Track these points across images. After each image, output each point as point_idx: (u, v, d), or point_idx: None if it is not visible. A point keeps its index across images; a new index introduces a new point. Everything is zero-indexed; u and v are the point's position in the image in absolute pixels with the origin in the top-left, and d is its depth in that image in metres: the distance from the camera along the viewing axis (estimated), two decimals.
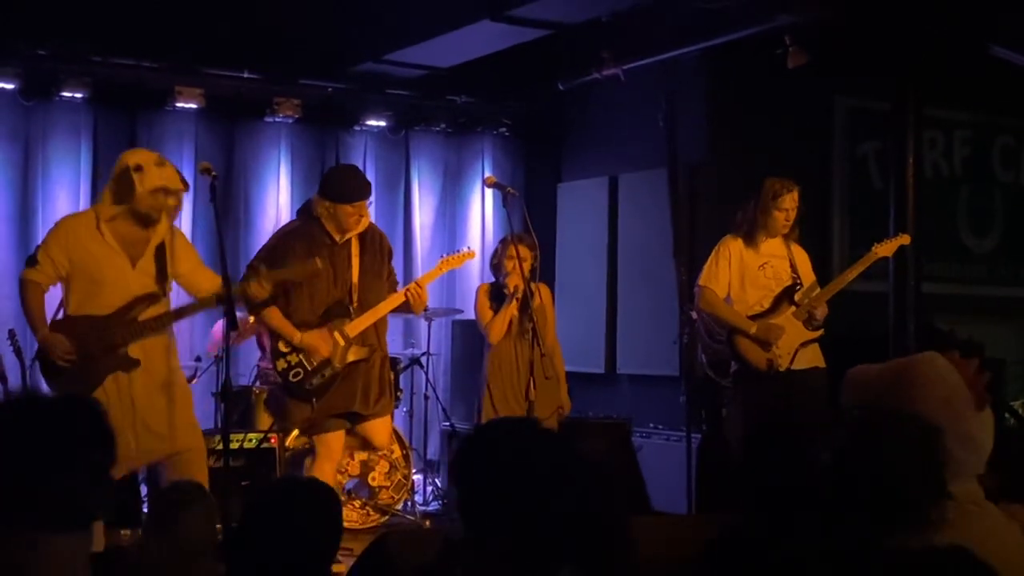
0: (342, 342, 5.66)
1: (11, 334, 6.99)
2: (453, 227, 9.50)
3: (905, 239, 6.50)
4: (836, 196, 8.66)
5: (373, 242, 5.82)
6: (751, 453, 2.66)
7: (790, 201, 6.19)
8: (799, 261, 6.30)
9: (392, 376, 6.07)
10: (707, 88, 8.26)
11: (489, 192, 9.22)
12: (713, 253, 6.26)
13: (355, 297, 5.71)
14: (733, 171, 8.16)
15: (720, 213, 8.12)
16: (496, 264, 6.66)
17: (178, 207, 5.38)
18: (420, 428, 8.27)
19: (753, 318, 6.14)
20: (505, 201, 5.93)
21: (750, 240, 6.22)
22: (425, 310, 6.87)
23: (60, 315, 5.27)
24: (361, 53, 8.45)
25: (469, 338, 8.39)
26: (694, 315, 7.15)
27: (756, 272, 6.21)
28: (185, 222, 8.24)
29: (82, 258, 5.21)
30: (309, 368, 5.65)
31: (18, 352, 6.90)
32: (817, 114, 8.57)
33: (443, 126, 9.29)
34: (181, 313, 5.39)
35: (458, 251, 6.47)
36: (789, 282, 6.23)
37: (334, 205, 5.60)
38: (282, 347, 5.68)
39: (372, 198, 5.82)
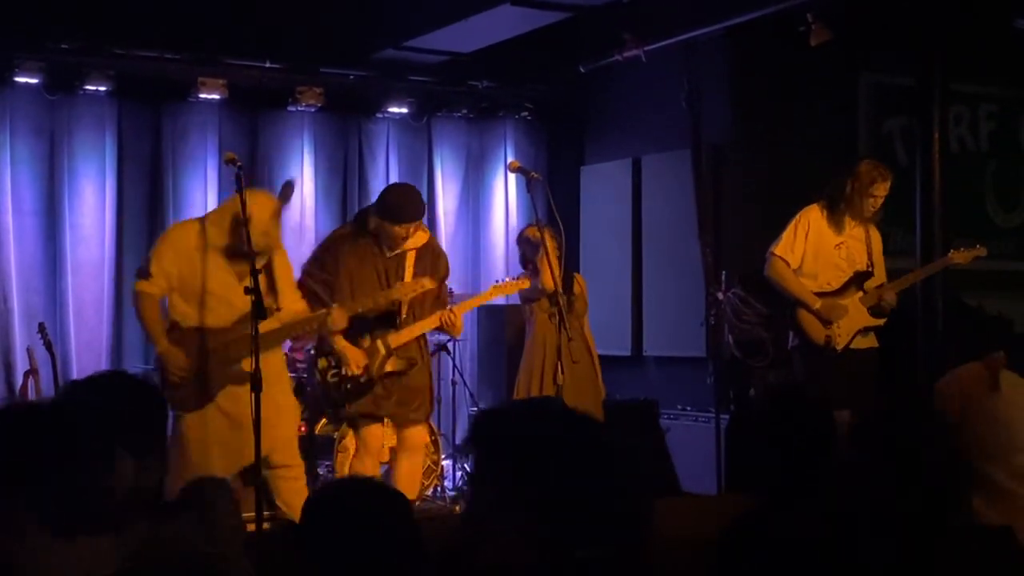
0: (383, 351, 5.71)
1: (41, 328, 7.05)
2: (477, 213, 9.50)
3: (982, 251, 6.46)
4: None
5: (428, 259, 5.85)
6: (774, 419, 2.63)
7: (883, 189, 6.18)
8: (875, 246, 6.29)
9: (432, 385, 6.08)
10: (730, 67, 8.21)
11: (512, 177, 9.21)
12: (792, 223, 6.22)
13: (404, 309, 5.75)
14: (757, 150, 8.14)
15: (745, 192, 8.11)
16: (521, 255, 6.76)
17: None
18: (448, 414, 8.30)
19: (819, 295, 6.16)
20: (529, 186, 5.92)
21: (833, 216, 6.19)
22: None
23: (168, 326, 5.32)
24: (382, 40, 8.44)
25: (495, 324, 8.40)
26: (720, 296, 7.14)
27: (832, 250, 6.21)
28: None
29: (191, 271, 5.28)
30: (346, 372, 5.71)
31: (48, 345, 6.96)
32: (841, 91, 8.51)
33: (465, 111, 9.28)
34: (294, 328, 5.44)
35: (512, 278, 6.47)
36: (862, 267, 6.23)
37: (382, 223, 5.64)
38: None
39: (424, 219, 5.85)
